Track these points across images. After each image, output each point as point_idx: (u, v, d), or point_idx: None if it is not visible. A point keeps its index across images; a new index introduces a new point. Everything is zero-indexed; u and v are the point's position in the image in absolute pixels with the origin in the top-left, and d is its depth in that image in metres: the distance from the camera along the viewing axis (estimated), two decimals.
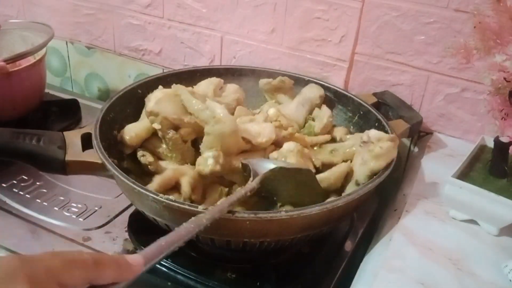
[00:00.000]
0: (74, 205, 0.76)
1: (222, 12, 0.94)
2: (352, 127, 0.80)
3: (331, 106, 0.81)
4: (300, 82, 0.85)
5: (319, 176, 0.65)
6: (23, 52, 0.86)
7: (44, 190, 0.79)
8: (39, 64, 0.93)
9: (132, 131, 0.70)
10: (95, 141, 0.64)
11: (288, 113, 0.77)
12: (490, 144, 0.69)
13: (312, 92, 0.81)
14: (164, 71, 1.01)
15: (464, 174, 0.64)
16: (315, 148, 0.74)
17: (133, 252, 0.67)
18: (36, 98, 0.96)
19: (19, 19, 1.16)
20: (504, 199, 0.58)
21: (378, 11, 0.81)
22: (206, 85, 0.80)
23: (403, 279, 0.54)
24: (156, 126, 0.67)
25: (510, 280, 0.54)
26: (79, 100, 1.03)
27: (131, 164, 0.69)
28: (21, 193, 0.78)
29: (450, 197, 0.63)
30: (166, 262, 0.65)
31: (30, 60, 0.90)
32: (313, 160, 0.69)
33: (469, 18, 0.62)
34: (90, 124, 0.68)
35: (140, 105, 0.75)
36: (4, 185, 0.79)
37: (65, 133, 0.68)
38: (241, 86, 0.83)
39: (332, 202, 0.57)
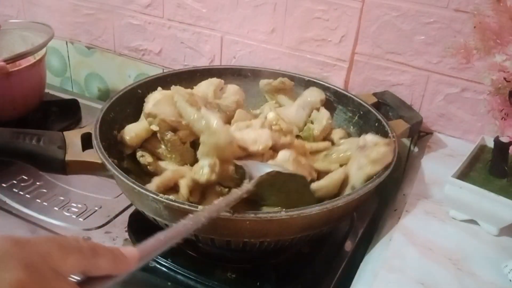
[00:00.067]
0: (74, 205, 0.76)
1: (222, 12, 0.94)
2: (352, 127, 0.80)
3: (331, 106, 0.81)
4: (300, 82, 0.85)
5: (317, 184, 0.64)
6: (23, 52, 0.86)
7: (44, 190, 0.79)
8: (39, 64, 0.93)
9: (132, 131, 0.70)
10: (95, 141, 0.64)
11: (288, 116, 0.77)
12: (490, 144, 0.69)
13: (313, 96, 0.81)
14: (164, 71, 1.00)
15: (464, 174, 0.64)
16: (321, 154, 0.73)
17: None
18: (36, 98, 0.96)
19: (19, 19, 1.16)
20: (504, 199, 0.58)
21: (378, 11, 0.81)
22: (206, 86, 0.80)
23: (403, 279, 0.54)
24: (154, 128, 0.68)
25: (510, 280, 0.54)
26: (79, 100, 1.03)
27: (131, 164, 0.69)
28: (21, 193, 0.78)
29: (450, 197, 0.63)
30: (166, 262, 0.65)
31: (30, 60, 0.90)
32: (311, 170, 0.68)
33: (469, 18, 0.62)
34: (90, 124, 0.68)
35: (140, 105, 0.75)
36: (4, 185, 0.79)
37: (65, 133, 0.68)
38: (241, 86, 0.83)
39: (332, 202, 0.57)
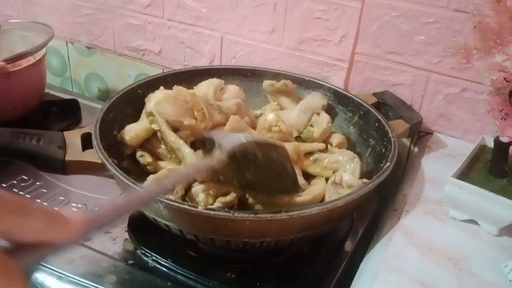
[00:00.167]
0: (74, 205, 0.76)
1: (222, 12, 0.94)
2: (352, 127, 0.80)
3: (331, 111, 0.81)
4: (300, 82, 0.85)
5: (301, 199, 0.63)
6: (23, 52, 0.86)
7: (44, 190, 0.79)
8: (39, 64, 0.93)
9: (132, 131, 0.70)
10: (95, 141, 0.64)
11: (289, 119, 0.77)
12: (490, 144, 0.69)
13: (315, 101, 0.81)
14: (164, 71, 1.01)
15: (464, 174, 0.64)
16: (311, 158, 0.72)
17: (133, 252, 0.67)
18: (36, 98, 0.96)
19: (19, 19, 1.16)
20: (504, 199, 0.58)
21: (378, 11, 0.81)
22: (206, 86, 0.80)
23: (403, 279, 0.54)
24: (155, 127, 0.67)
25: (510, 280, 0.54)
26: (79, 100, 1.03)
27: (131, 164, 0.69)
28: (21, 193, 0.78)
29: (450, 197, 0.63)
30: (166, 262, 0.65)
31: (30, 60, 0.90)
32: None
33: (469, 18, 0.62)
34: (90, 124, 0.68)
35: (140, 105, 0.75)
36: (4, 185, 0.79)
37: (65, 133, 0.68)
38: (241, 87, 0.83)
39: (332, 202, 0.57)
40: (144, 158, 0.68)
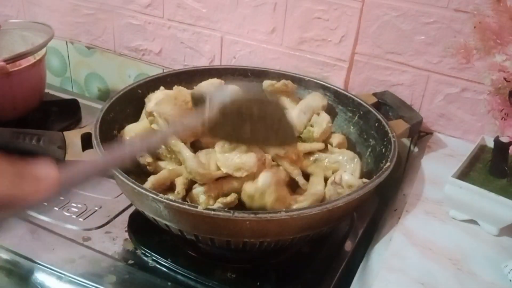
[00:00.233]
0: (74, 205, 0.76)
1: (222, 12, 0.94)
2: (352, 127, 0.80)
3: (331, 111, 0.81)
4: (300, 82, 0.85)
5: (298, 206, 0.62)
6: (23, 52, 0.86)
7: None
8: (39, 64, 0.93)
9: (132, 131, 0.70)
10: (95, 141, 0.64)
11: None
12: (490, 144, 0.69)
13: (314, 101, 0.81)
14: (164, 71, 1.00)
15: (464, 174, 0.64)
16: (310, 158, 0.73)
17: (133, 252, 0.67)
18: (36, 98, 0.96)
19: (19, 19, 1.16)
20: (504, 199, 0.58)
21: (378, 11, 0.81)
22: (206, 87, 0.80)
23: (403, 279, 0.54)
24: (155, 127, 0.67)
25: (510, 280, 0.54)
26: (79, 100, 1.03)
27: (131, 164, 0.69)
28: None
29: (450, 197, 0.63)
30: (166, 262, 0.65)
31: (30, 60, 0.90)
32: (289, 200, 0.65)
33: (469, 18, 0.62)
34: (90, 124, 0.68)
35: (140, 105, 0.75)
36: None
37: (65, 133, 0.68)
38: (241, 87, 0.83)
39: (332, 202, 0.57)
40: (144, 158, 0.68)
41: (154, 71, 1.03)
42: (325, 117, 0.77)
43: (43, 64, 0.95)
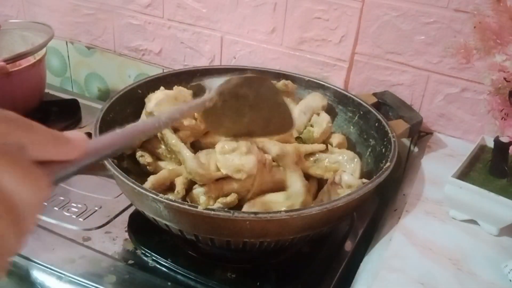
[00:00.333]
0: (74, 205, 0.76)
1: (222, 12, 0.94)
2: (352, 127, 0.80)
3: (331, 111, 0.81)
4: (300, 82, 0.85)
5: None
6: (23, 52, 0.86)
7: None
8: (39, 64, 0.93)
9: None
10: None
11: None
12: (490, 144, 0.69)
13: (314, 101, 0.81)
14: (164, 71, 1.01)
15: (464, 174, 0.64)
16: (311, 159, 0.73)
17: (133, 252, 0.67)
18: (36, 98, 0.96)
19: (19, 19, 1.16)
20: (504, 199, 0.58)
21: (378, 11, 0.81)
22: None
23: (403, 279, 0.54)
24: None
25: (510, 280, 0.54)
26: (79, 100, 1.03)
27: (131, 164, 0.69)
28: None
29: (450, 197, 0.63)
30: (166, 262, 0.65)
31: (30, 60, 0.90)
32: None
33: (469, 18, 0.62)
34: (90, 124, 0.68)
35: (140, 105, 0.75)
36: None
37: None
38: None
39: (332, 202, 0.57)
40: (144, 158, 0.68)
41: (154, 71, 1.03)
42: (325, 117, 0.77)
43: (43, 64, 0.95)
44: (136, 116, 0.75)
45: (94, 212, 0.74)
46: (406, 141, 0.87)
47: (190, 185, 0.63)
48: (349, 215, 0.72)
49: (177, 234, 0.60)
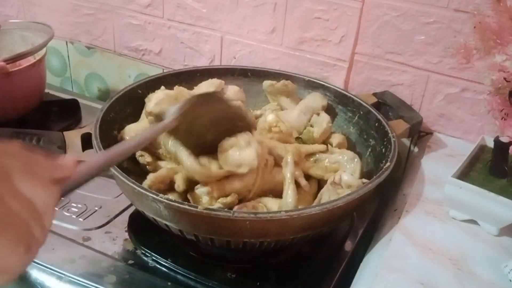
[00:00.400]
0: (74, 205, 0.76)
1: (222, 12, 0.94)
2: (352, 127, 0.80)
3: (331, 111, 0.81)
4: (300, 82, 0.85)
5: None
6: (23, 52, 0.86)
7: None
8: (39, 64, 0.93)
9: (132, 131, 0.70)
10: (95, 141, 0.64)
11: (289, 120, 0.76)
12: (490, 144, 0.69)
13: (314, 101, 0.81)
14: (164, 71, 1.01)
15: (464, 174, 0.64)
16: (311, 159, 0.73)
17: (133, 252, 0.67)
18: (36, 98, 0.96)
19: (19, 19, 1.16)
20: (504, 199, 0.58)
21: (378, 11, 0.81)
22: (206, 87, 0.80)
23: (403, 279, 0.54)
24: None
25: (510, 280, 0.54)
26: (79, 100, 1.03)
27: (131, 164, 0.69)
28: None
29: (450, 197, 0.63)
30: (166, 262, 0.65)
31: (30, 60, 0.90)
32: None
33: (469, 18, 0.62)
34: (90, 124, 0.68)
35: (140, 105, 0.75)
36: None
37: (65, 133, 0.68)
38: (241, 87, 0.83)
39: (332, 202, 0.57)
40: (143, 158, 0.68)
41: (154, 71, 1.03)
42: (325, 117, 0.77)
43: (43, 64, 0.95)
44: (136, 116, 0.75)
45: (94, 212, 0.74)
46: (406, 141, 0.87)
47: (190, 183, 0.63)
48: (349, 215, 0.72)
49: (177, 234, 0.60)
